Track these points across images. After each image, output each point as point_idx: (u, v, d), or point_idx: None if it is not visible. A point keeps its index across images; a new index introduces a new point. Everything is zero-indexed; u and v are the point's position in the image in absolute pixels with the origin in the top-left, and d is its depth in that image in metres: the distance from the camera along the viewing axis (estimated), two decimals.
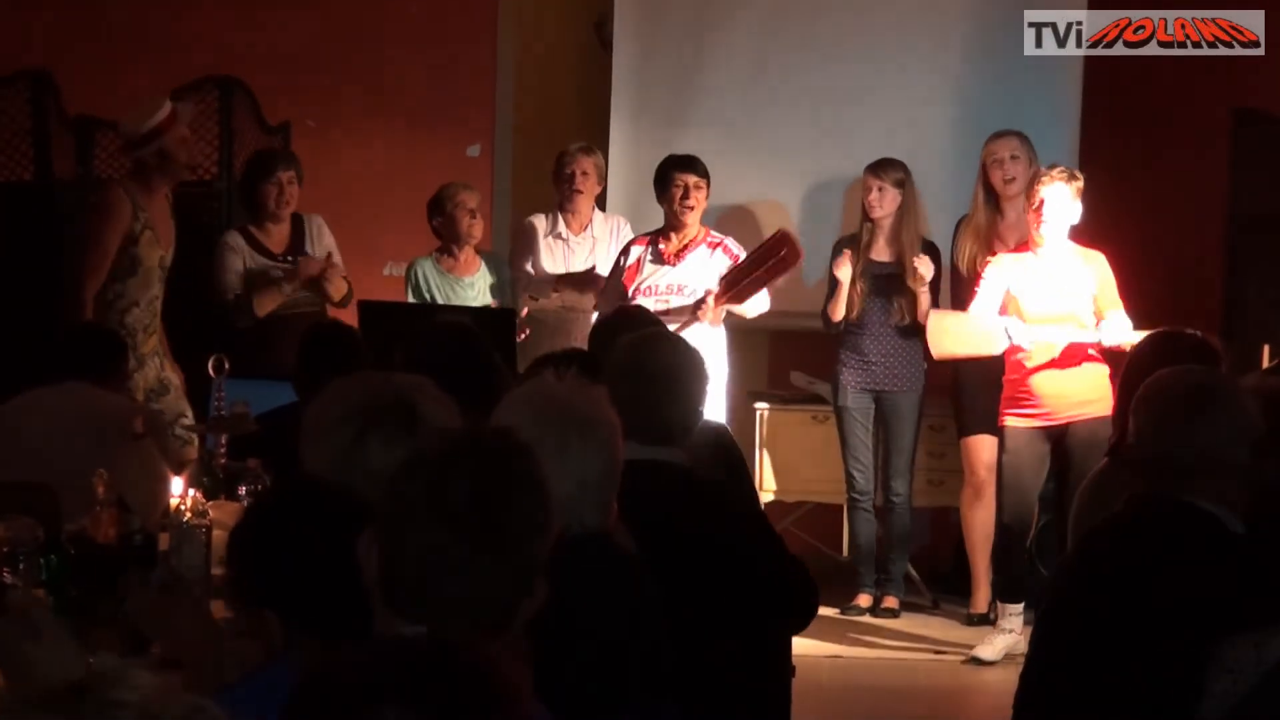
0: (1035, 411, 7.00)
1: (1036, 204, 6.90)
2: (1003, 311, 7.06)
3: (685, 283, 7.53)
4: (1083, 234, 7.05)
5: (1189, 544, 3.47)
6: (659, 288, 7.53)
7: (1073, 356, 6.93)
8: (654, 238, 7.62)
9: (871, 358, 7.70)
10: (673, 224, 7.58)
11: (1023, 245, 7.03)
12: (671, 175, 7.57)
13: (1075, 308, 6.95)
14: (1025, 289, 6.98)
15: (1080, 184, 6.92)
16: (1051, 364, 6.94)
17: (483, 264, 7.82)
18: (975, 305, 7.13)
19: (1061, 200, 6.88)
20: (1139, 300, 7.09)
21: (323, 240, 7.61)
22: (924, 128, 8.30)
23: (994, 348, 7.07)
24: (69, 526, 4.27)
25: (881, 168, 7.65)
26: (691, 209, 7.52)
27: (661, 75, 8.56)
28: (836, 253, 7.73)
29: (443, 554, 2.33)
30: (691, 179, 7.53)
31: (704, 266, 7.55)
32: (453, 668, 1.78)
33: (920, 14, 8.43)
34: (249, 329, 7.48)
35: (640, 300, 7.32)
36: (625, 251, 7.64)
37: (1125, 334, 6.80)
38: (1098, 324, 6.93)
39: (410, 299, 7.71)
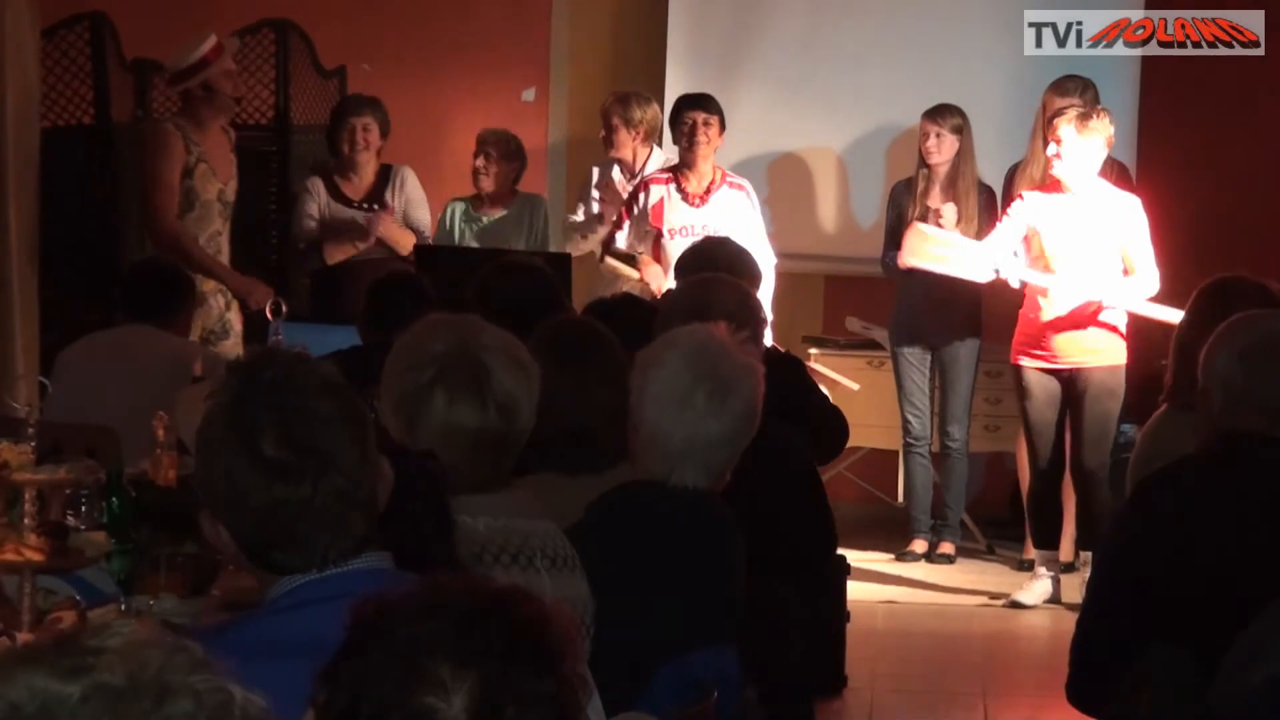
0: (1045, 354, 6.97)
1: (1051, 143, 6.87)
2: (1025, 247, 7.02)
3: (715, 226, 7.41)
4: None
5: None
6: (694, 228, 7.42)
7: (1084, 321, 6.89)
8: (675, 176, 7.51)
9: (928, 304, 7.64)
10: (685, 161, 7.49)
11: (1054, 182, 6.97)
12: (681, 113, 7.51)
13: (1098, 254, 6.88)
14: (1048, 226, 6.92)
15: (1097, 125, 6.80)
16: (1064, 321, 6.89)
17: (516, 203, 7.80)
18: (991, 238, 7.09)
19: (1071, 143, 6.81)
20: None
21: (404, 192, 7.57)
22: (977, 80, 8.23)
23: (975, 274, 7.07)
24: (129, 470, 4.30)
25: (940, 113, 7.59)
26: (700, 145, 7.43)
27: (717, 20, 8.52)
28: (895, 198, 7.69)
29: None
30: (700, 115, 7.43)
31: (730, 208, 7.45)
32: (508, 621, 1.73)
33: None
34: (315, 273, 7.51)
35: (677, 240, 7.26)
36: (645, 188, 7.53)
37: (1131, 299, 6.77)
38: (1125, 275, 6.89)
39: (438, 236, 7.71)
